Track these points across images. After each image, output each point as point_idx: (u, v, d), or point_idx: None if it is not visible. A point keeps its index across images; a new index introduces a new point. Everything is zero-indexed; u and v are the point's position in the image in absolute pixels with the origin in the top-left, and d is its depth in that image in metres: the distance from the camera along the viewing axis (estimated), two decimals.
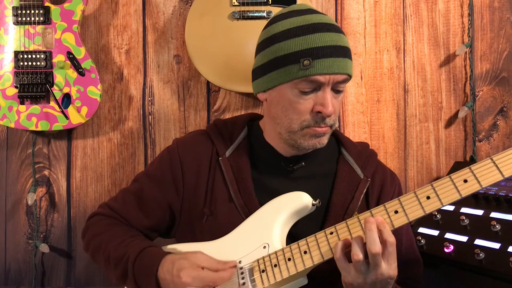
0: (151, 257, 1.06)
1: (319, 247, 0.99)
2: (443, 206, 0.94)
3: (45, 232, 1.68)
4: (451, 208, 1.38)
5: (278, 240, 1.05)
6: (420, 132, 1.68)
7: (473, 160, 1.63)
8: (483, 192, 1.37)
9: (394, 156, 1.67)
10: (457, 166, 1.58)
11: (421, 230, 1.38)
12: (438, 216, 1.37)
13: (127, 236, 1.14)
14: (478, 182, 0.92)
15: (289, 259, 1.00)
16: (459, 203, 1.39)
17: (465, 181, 0.93)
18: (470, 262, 1.19)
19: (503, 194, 1.31)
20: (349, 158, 1.20)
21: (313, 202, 1.06)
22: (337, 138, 1.25)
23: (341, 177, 1.17)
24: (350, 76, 1.09)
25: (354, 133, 1.68)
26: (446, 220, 1.35)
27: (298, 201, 1.07)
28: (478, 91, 1.67)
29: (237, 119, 1.26)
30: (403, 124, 1.68)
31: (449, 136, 1.67)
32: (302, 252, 1.00)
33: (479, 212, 1.30)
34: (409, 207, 0.95)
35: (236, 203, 1.12)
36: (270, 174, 1.17)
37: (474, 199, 1.36)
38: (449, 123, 1.67)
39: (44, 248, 1.62)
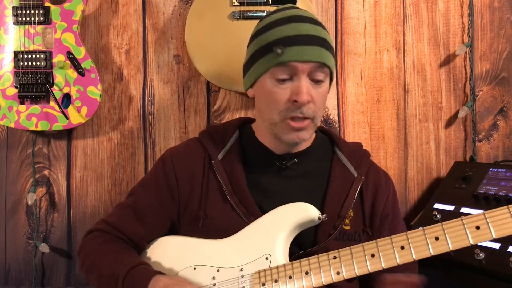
0: (141, 275, 1.04)
1: (321, 271, 0.98)
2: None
3: (45, 232, 1.68)
4: (451, 208, 1.38)
5: (280, 253, 1.05)
6: (420, 132, 1.67)
7: (473, 160, 1.63)
8: (483, 192, 1.37)
9: (394, 156, 1.67)
10: (457, 166, 1.58)
11: None
12: (438, 216, 1.36)
13: (119, 253, 1.12)
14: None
15: (290, 277, 1.00)
16: (459, 203, 1.39)
17: (478, 227, 0.96)
18: (470, 262, 1.18)
19: (503, 194, 1.31)
20: (342, 157, 1.21)
21: (320, 216, 1.05)
22: (331, 137, 1.26)
23: (335, 175, 1.18)
24: (327, 66, 1.09)
25: (354, 133, 1.67)
26: (446, 220, 1.35)
27: (305, 213, 1.06)
28: (478, 91, 1.67)
29: (229, 123, 1.28)
30: (403, 124, 1.68)
31: (449, 136, 1.67)
32: (304, 273, 0.99)
33: (479, 212, 1.30)
34: (416, 245, 0.97)
35: (231, 202, 1.13)
36: (263, 172, 1.17)
37: (474, 199, 1.36)
38: (449, 123, 1.67)
39: (44, 248, 1.62)
